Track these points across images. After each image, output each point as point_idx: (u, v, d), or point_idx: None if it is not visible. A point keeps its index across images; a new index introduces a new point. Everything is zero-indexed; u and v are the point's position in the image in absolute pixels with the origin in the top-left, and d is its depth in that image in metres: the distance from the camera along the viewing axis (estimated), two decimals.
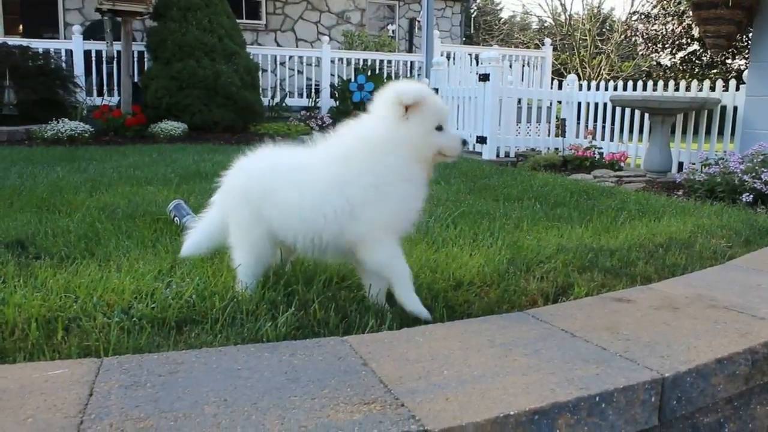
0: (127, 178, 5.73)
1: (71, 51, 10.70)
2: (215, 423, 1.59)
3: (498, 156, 8.67)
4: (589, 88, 9.28)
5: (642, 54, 26.28)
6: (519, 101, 9.56)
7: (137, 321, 2.35)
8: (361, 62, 11.99)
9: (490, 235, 3.84)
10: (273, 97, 11.43)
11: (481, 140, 8.69)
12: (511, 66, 9.78)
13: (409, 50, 14.86)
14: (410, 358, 2.00)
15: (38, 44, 10.51)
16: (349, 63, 12.01)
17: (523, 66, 10.96)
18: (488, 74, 8.73)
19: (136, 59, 10.63)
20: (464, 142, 2.57)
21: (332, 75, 11.94)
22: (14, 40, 10.34)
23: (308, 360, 1.97)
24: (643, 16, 26.62)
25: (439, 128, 2.47)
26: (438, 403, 1.72)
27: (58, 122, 9.08)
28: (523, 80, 9.70)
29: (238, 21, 10.91)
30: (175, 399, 1.69)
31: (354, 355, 2.01)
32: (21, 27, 13.28)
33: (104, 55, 10.70)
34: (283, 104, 11.41)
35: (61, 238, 3.51)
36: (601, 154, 7.99)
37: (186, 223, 3.82)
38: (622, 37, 26.09)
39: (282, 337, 2.26)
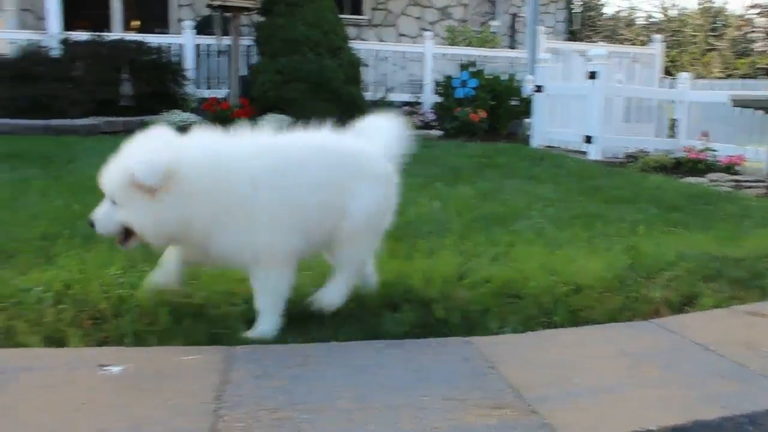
0: None
1: (182, 45, 11.06)
2: (348, 419, 1.59)
3: (605, 156, 8.43)
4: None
5: (762, 50, 24.94)
6: (627, 100, 9.26)
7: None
8: (464, 58, 11.90)
9: (606, 239, 3.72)
10: (378, 93, 11.50)
11: (588, 140, 8.47)
12: (619, 63, 9.49)
13: (511, 46, 14.64)
14: (538, 364, 1.96)
15: (152, 39, 10.90)
16: (451, 59, 11.95)
17: (631, 63, 10.62)
18: (596, 72, 8.49)
19: (243, 53, 10.88)
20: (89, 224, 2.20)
21: (434, 71, 11.90)
22: (131, 36, 10.78)
23: (435, 360, 1.95)
24: (763, 10, 25.26)
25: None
26: (571, 412, 1.67)
27: (170, 113, 9.42)
28: (631, 78, 9.38)
29: (341, 16, 11.02)
30: (306, 392, 1.71)
31: (480, 357, 1.99)
32: (135, 23, 13.82)
33: (213, 49, 11.01)
34: (386, 99, 11.45)
35: None
36: (715, 156, 7.64)
37: None
38: (738, 32, 24.89)
39: (402, 335, 2.26)
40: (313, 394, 1.70)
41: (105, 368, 1.76)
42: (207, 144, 2.22)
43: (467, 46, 12.78)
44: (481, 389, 1.77)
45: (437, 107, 11.25)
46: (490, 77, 11.15)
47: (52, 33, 10.59)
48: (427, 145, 8.63)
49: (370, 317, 2.39)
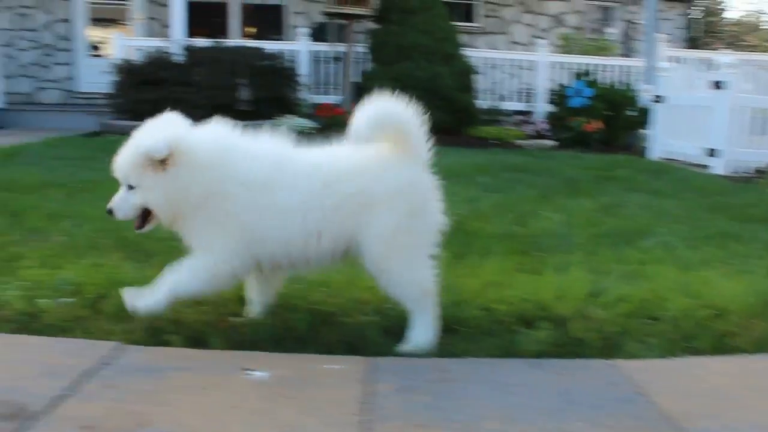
0: None
1: (297, 52, 11.33)
2: None
3: (730, 171, 8.03)
4: None
5: None
6: (754, 111, 8.78)
7: (395, 322, 2.38)
8: (577, 66, 11.63)
9: (743, 260, 3.52)
10: (490, 101, 11.41)
11: (711, 153, 8.10)
12: (745, 72, 9.01)
13: (625, 54, 14.20)
14: (692, 393, 1.86)
15: (269, 46, 11.21)
16: (564, 67, 11.70)
17: (758, 71, 10.07)
18: (723, 82, 8.11)
19: (355, 60, 11.02)
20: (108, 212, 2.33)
21: (547, 79, 11.69)
22: (249, 43, 11.11)
23: (579, 382, 1.89)
24: None
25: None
26: None
27: (285, 118, 9.65)
28: (758, 88, 8.88)
29: (452, 24, 11.01)
30: (453, 409, 1.68)
31: (627, 382, 1.90)
32: (249, 30, 14.25)
33: (326, 55, 11.21)
34: (498, 108, 11.35)
35: None
36: None
37: None
38: None
39: (536, 354, 2.20)
40: (460, 411, 1.67)
41: (249, 372, 1.79)
42: (213, 130, 2.36)
43: (581, 54, 12.48)
44: (632, 417, 1.69)
45: (550, 117, 11.04)
46: (606, 86, 10.85)
47: (176, 40, 11.05)
48: (541, 155, 8.48)
49: (505, 333, 2.35)
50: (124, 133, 8.84)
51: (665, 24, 14.50)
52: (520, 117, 11.20)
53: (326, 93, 11.37)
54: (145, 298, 2.15)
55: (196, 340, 2.13)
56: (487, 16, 13.83)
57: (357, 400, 1.70)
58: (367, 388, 1.77)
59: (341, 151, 2.32)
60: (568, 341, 2.30)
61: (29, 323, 2.29)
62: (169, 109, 2.35)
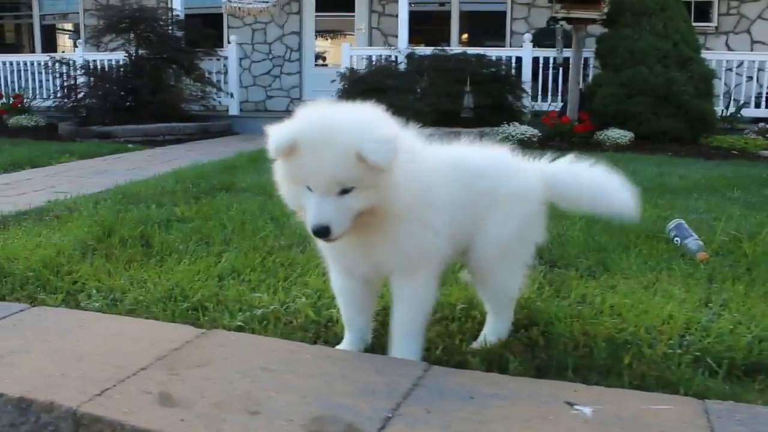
0: None
1: (520, 58, 11.14)
2: None
3: None
4: None
5: None
6: None
7: (699, 357, 2.15)
8: None
9: None
10: (727, 107, 10.53)
11: None
12: None
13: None
14: None
15: (492, 52, 11.13)
16: None
17: None
18: None
19: (583, 66, 10.64)
20: (320, 232, 1.84)
21: None
22: (472, 50, 11.10)
23: None
24: None
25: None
26: None
27: (509, 125, 9.50)
28: None
29: (691, 24, 10.28)
30: None
31: None
32: (466, 36, 14.27)
33: (550, 62, 10.93)
34: (738, 115, 10.44)
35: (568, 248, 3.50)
36: None
37: (688, 245, 3.56)
38: None
39: None
40: None
41: (578, 408, 1.65)
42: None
43: None
44: None
45: None
46: None
47: (400, 48, 11.29)
48: None
49: None
50: None
51: None
52: (763, 125, 10.22)
53: (547, 100, 11.09)
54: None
55: (494, 362, 2.04)
56: (725, 15, 12.80)
57: None
58: None
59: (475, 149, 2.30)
60: None
61: (321, 333, 2.33)
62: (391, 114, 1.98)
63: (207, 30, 12.22)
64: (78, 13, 14.98)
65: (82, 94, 11.31)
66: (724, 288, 2.87)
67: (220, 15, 13.97)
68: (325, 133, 1.80)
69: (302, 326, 2.36)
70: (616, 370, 2.04)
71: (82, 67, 11.64)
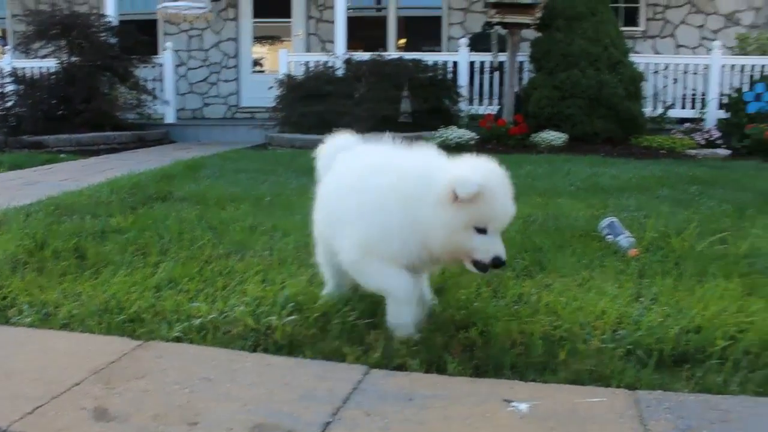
0: (530, 188, 5.74)
1: (456, 63, 11.26)
2: None
3: None
4: None
5: None
6: None
7: (631, 350, 2.23)
8: (760, 69, 10.84)
9: None
10: (655, 108, 10.85)
11: None
12: None
13: None
14: None
15: (428, 57, 11.24)
16: (740, 70, 10.94)
17: None
18: None
19: (517, 70, 10.81)
20: (499, 265, 2.18)
21: (720, 84, 10.98)
22: (410, 55, 11.18)
23: None
24: None
25: (482, 230, 2.15)
26: None
27: (446, 129, 9.60)
28: None
29: (620, 29, 10.57)
30: None
31: None
32: (403, 41, 14.36)
33: (486, 66, 11.08)
34: (665, 116, 10.77)
35: None
36: None
37: (620, 242, 3.66)
38: None
39: None
40: None
41: (513, 404, 1.69)
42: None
43: (762, 54, 11.61)
44: None
45: (723, 124, 10.35)
46: None
47: (338, 54, 11.30)
48: (718, 166, 7.94)
49: (760, 366, 2.13)
50: (291, 146, 9.17)
51: None
52: (690, 125, 10.58)
53: (484, 104, 11.23)
54: None
55: (433, 363, 2.07)
56: (652, 19, 13.21)
57: None
58: (643, 425, 1.62)
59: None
60: None
61: (260, 341, 2.32)
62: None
63: (142, 36, 11.97)
64: (5, 18, 14.53)
65: (11, 102, 10.93)
66: (654, 282, 2.97)
67: (155, 21, 13.75)
68: (501, 182, 2.15)
69: (241, 335, 2.34)
70: (552, 366, 2.09)
71: (10, 75, 11.26)
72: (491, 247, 2.12)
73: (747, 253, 3.62)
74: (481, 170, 2.13)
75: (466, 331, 2.34)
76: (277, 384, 1.81)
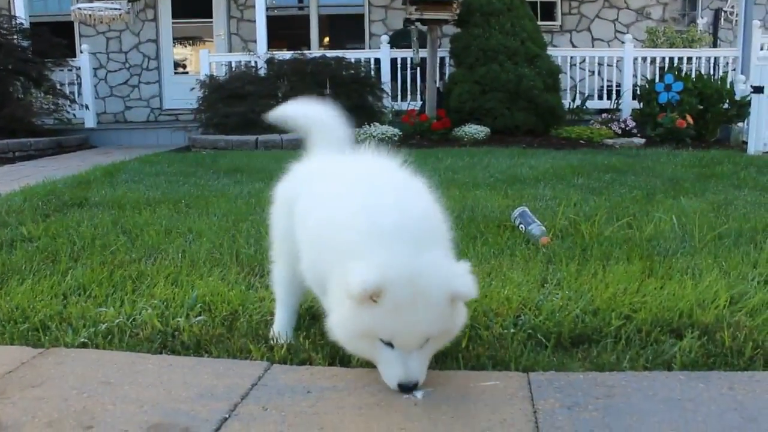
0: (450, 181, 5.86)
1: (379, 60, 11.36)
2: None
3: None
4: None
5: None
6: None
7: (531, 334, 2.31)
8: (667, 60, 11.28)
9: None
10: (573, 100, 11.16)
11: None
12: None
13: (714, 45, 13.68)
14: None
15: (351, 55, 11.30)
16: (652, 62, 11.38)
17: None
18: None
19: (437, 65, 10.96)
20: (405, 389, 1.71)
21: (634, 75, 11.38)
22: (332, 53, 11.21)
23: (753, 396, 1.76)
24: None
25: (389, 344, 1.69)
26: None
27: (369, 126, 9.67)
28: None
29: (536, 23, 10.83)
30: (627, 427, 1.59)
31: None
32: (327, 40, 14.39)
33: (408, 62, 11.21)
34: (583, 107, 11.10)
35: None
36: None
37: (532, 231, 3.77)
38: None
39: (688, 365, 2.08)
40: (634, 429, 1.58)
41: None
42: None
43: (669, 47, 12.09)
44: None
45: (638, 114, 10.74)
46: (697, 79, 10.48)
47: (260, 54, 11.23)
48: (632, 154, 8.25)
49: (650, 343, 2.24)
50: (214, 147, 9.10)
51: (759, 9, 13.89)
52: (607, 115, 10.93)
53: (407, 100, 11.35)
54: None
55: (337, 357, 2.10)
56: (568, 14, 13.57)
57: (526, 419, 1.62)
58: (532, 405, 1.69)
59: None
60: (721, 351, 2.17)
61: (167, 342, 2.31)
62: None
63: (56, 39, 11.66)
64: None
65: None
66: (560, 268, 3.07)
67: (71, 23, 13.41)
68: (414, 287, 1.60)
69: (148, 337, 2.32)
70: (454, 353, 2.15)
71: None
72: (392, 367, 1.69)
73: (650, 236, 3.77)
74: (390, 267, 1.60)
75: None
76: (177, 383, 1.82)
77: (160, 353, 2.19)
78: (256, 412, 1.64)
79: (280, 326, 2.31)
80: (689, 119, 9.91)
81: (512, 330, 2.32)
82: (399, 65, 11.31)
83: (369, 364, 2.04)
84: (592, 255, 3.33)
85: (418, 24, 10.59)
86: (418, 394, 1.73)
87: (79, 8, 11.76)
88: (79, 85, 12.19)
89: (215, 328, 2.36)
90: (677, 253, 3.40)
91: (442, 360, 2.11)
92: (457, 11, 10.15)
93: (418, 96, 11.29)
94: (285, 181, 2.39)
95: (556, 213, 4.26)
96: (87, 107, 12.07)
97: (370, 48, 13.06)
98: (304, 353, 2.11)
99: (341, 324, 1.71)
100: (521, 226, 3.89)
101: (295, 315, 2.36)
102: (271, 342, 2.23)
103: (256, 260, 3.22)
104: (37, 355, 2.10)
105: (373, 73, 11.25)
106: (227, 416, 1.62)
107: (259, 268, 3.08)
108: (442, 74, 11.16)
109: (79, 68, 12.14)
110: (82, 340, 2.32)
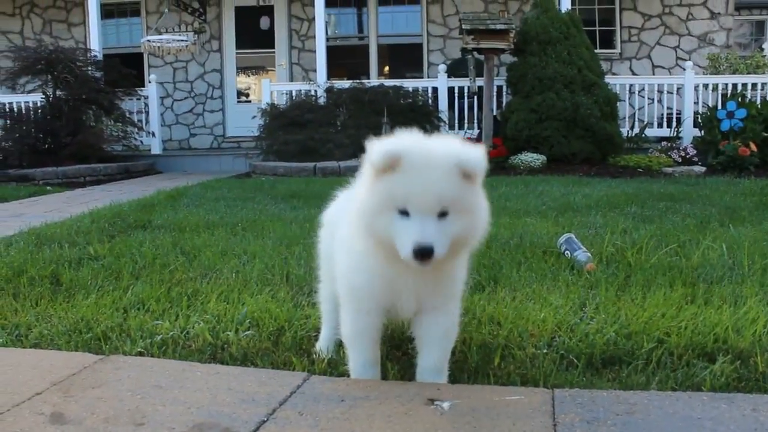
0: (501, 208, 5.92)
1: (436, 88, 11.52)
2: None
3: None
4: None
5: None
6: None
7: (564, 354, 2.37)
8: (730, 87, 11.13)
9: None
10: (632, 128, 11.10)
11: None
12: None
13: None
14: None
15: (408, 83, 11.50)
16: (714, 89, 11.23)
17: None
18: None
19: (494, 93, 11.06)
20: (423, 252, 1.73)
21: (695, 102, 11.25)
22: (389, 82, 11.44)
23: None
24: None
25: (403, 212, 1.78)
26: None
27: None
28: None
29: (593, 51, 10.83)
30: None
31: None
32: (387, 69, 14.64)
33: (465, 91, 11.33)
34: (642, 135, 11.02)
35: None
36: None
37: (578, 257, 3.81)
38: None
39: (718, 388, 2.11)
40: None
41: (435, 403, 1.83)
42: None
43: (732, 73, 11.90)
44: None
45: (698, 141, 10.60)
46: (762, 106, 10.29)
47: (320, 83, 11.53)
48: (692, 183, 8.15)
49: (682, 366, 2.28)
50: (274, 174, 9.34)
51: None
52: (666, 143, 10.81)
53: (464, 128, 11.46)
54: None
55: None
56: (627, 42, 13.52)
57: (546, 430, 1.70)
58: (553, 419, 1.77)
59: None
60: (753, 376, 2.20)
61: (217, 354, 2.46)
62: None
63: (126, 69, 12.23)
64: None
65: None
66: (599, 293, 3.12)
67: (140, 54, 14.01)
68: (426, 153, 1.79)
69: (200, 349, 2.48)
70: (485, 370, 2.23)
71: None
72: (409, 232, 1.74)
73: (697, 264, 3.77)
74: (406, 139, 1.85)
75: (411, 343, 2.48)
76: (222, 389, 1.95)
77: (210, 363, 2.34)
78: (292, 416, 1.77)
79: (324, 342, 2.45)
80: (753, 146, 9.73)
81: (545, 350, 2.40)
82: (456, 94, 11.45)
83: (401, 376, 2.15)
84: (634, 281, 3.36)
85: (475, 53, 10.73)
86: (445, 405, 1.82)
87: (149, 40, 12.31)
88: (147, 113, 12.73)
89: (262, 342, 2.51)
90: (723, 280, 3.40)
91: (474, 375, 2.20)
92: (514, 40, 10.25)
93: (475, 124, 11.40)
94: (331, 206, 2.51)
95: (604, 240, 4.28)
96: (153, 134, 12.58)
97: (428, 77, 13.24)
98: (343, 366, 2.23)
99: (362, 206, 1.86)
100: (567, 252, 3.93)
101: (337, 332, 2.48)
102: (314, 356, 2.37)
103: (304, 280, 3.36)
104: (98, 360, 2.27)
105: (430, 101, 11.42)
106: (265, 419, 1.75)
107: (307, 288, 3.21)
108: (498, 103, 11.25)
109: (147, 97, 12.69)
110: (139, 349, 2.50)
